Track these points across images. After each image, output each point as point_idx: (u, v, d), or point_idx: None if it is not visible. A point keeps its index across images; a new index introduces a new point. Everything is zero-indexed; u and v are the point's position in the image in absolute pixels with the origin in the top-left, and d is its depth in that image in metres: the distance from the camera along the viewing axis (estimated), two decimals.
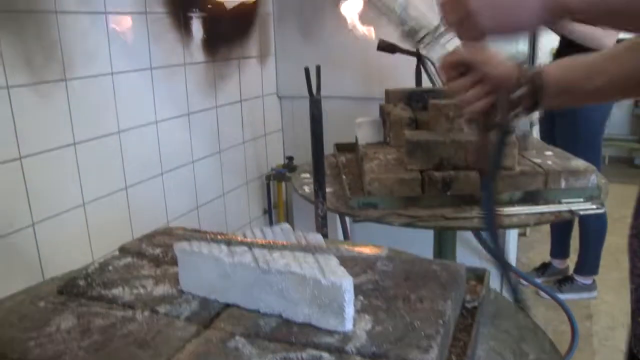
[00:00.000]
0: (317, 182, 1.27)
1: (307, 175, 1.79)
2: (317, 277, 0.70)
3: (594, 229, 2.63)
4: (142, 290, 0.85)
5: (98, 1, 1.70)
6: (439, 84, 2.12)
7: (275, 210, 2.75)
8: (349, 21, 2.34)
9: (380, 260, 0.91)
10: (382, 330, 0.70)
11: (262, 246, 0.79)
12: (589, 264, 2.72)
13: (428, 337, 0.68)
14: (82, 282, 0.89)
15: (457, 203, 1.46)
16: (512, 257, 2.60)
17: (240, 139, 2.48)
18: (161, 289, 0.85)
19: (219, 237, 0.84)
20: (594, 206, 1.45)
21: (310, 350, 0.67)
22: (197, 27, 2.13)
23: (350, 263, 0.90)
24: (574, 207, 1.45)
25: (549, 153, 1.70)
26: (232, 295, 0.79)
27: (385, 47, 2.08)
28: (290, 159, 2.65)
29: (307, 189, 1.63)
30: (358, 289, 0.81)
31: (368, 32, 2.38)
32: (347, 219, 2.26)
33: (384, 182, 1.46)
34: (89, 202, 1.72)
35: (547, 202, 1.48)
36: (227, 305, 0.79)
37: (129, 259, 0.98)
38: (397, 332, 0.70)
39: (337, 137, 1.96)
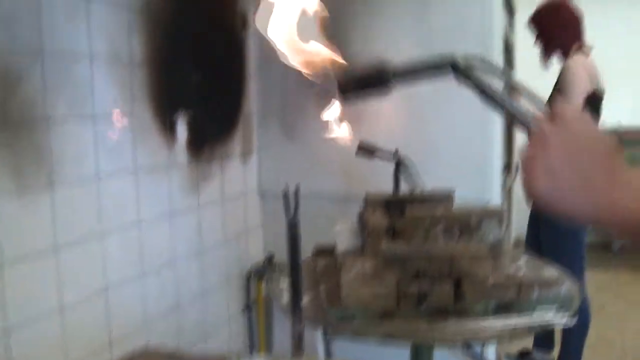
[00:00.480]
0: (294, 300, 1.29)
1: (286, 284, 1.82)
2: None
3: (577, 322, 2.66)
4: None
5: (86, 107, 1.77)
6: (420, 189, 2.19)
7: (255, 307, 2.75)
8: (328, 125, 2.44)
9: None
10: None
11: None
12: (571, 356, 2.73)
13: None
14: None
15: (431, 316, 1.50)
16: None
17: (222, 237, 2.51)
18: None
19: None
20: (566, 318, 1.50)
21: None
22: (181, 128, 2.20)
23: None
24: (546, 320, 1.49)
25: (521, 261, 1.76)
26: None
27: (363, 151, 2.16)
28: (271, 257, 2.69)
29: (286, 297, 1.65)
30: None
31: (347, 135, 2.48)
32: None
33: (359, 296, 1.50)
34: (68, 308, 1.72)
35: (520, 312, 1.52)
36: None
37: None
38: None
39: (317, 236, 1.99)
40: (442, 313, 1.51)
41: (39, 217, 1.63)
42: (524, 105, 0.80)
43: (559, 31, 2.84)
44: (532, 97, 0.86)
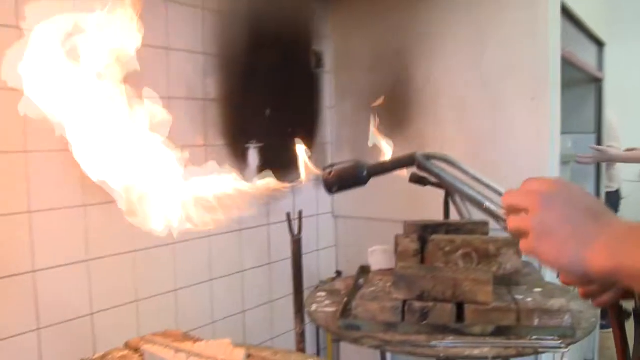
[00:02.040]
0: (296, 305, 1.56)
1: (323, 293, 2.08)
2: None
3: None
4: None
5: None
6: (465, 216, 2.37)
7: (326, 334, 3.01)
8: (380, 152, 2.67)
9: None
10: None
11: (195, 355, 1.10)
12: None
13: None
14: None
15: (431, 332, 1.69)
16: None
17: (288, 255, 2.82)
18: None
19: (178, 344, 1.16)
20: (559, 344, 1.62)
21: None
22: (253, 156, 2.55)
23: None
24: (537, 345, 1.62)
25: (537, 290, 1.88)
26: None
27: (417, 179, 2.37)
28: (339, 273, 2.95)
29: (314, 306, 1.92)
30: None
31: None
32: None
33: (367, 308, 1.73)
34: (141, 300, 2.11)
35: (518, 338, 1.66)
36: None
37: (126, 352, 1.32)
38: None
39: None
40: (442, 330, 1.69)
41: (120, 225, 2.03)
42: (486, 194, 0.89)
43: None
44: (492, 187, 1.02)
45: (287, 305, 2.78)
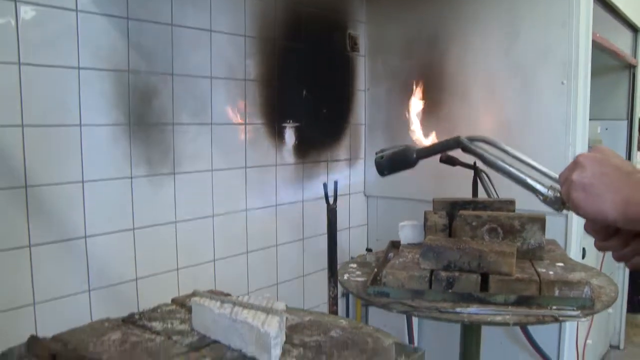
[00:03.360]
0: (330, 270, 1.66)
1: (355, 265, 2.19)
2: (258, 327, 1.10)
3: None
4: (169, 326, 1.30)
5: (206, 115, 2.28)
6: (493, 195, 2.45)
7: (355, 301, 3.12)
8: (412, 135, 2.77)
9: (335, 329, 1.29)
10: None
11: (240, 304, 1.21)
12: None
13: None
14: (136, 316, 1.36)
15: (456, 299, 1.78)
16: None
17: (324, 230, 2.92)
18: (182, 327, 1.30)
19: (223, 297, 1.27)
20: (578, 314, 1.70)
21: None
22: (289, 135, 2.66)
23: (312, 326, 1.29)
24: (558, 313, 1.70)
25: (559, 264, 1.95)
26: (218, 335, 1.21)
27: (447, 159, 2.46)
28: (370, 250, 3.05)
29: (345, 276, 2.03)
30: (303, 344, 1.20)
31: (433, 140, 2.79)
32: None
33: (396, 276, 1.82)
34: (182, 268, 2.24)
35: (539, 307, 1.74)
36: (215, 341, 1.22)
37: (173, 307, 1.44)
38: None
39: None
40: (466, 298, 1.78)
41: (164, 198, 2.17)
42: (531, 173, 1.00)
43: None
44: (532, 165, 1.11)
45: (319, 281, 2.90)
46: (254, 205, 2.53)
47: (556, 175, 0.93)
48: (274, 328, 1.09)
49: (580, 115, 2.60)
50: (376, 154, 1.27)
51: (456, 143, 1.12)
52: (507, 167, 0.98)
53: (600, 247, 0.89)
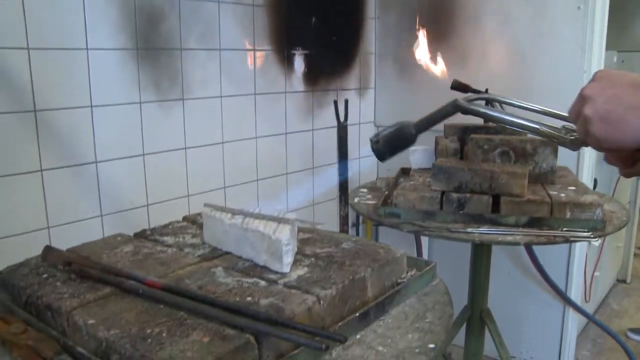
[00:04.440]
0: (340, 189, 1.66)
1: (365, 190, 2.18)
2: (269, 234, 1.10)
3: None
4: (181, 239, 1.31)
5: (214, 40, 2.23)
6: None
7: (363, 225, 3.13)
8: (422, 63, 2.72)
9: (346, 242, 1.29)
10: (308, 276, 1.08)
11: (251, 215, 1.20)
12: None
13: (333, 283, 1.05)
14: (148, 231, 1.36)
15: (467, 221, 1.77)
16: (576, 292, 2.75)
17: (334, 159, 2.91)
18: (193, 240, 1.30)
19: (234, 210, 1.27)
20: (589, 235, 1.69)
21: (256, 279, 1.07)
22: (299, 63, 2.61)
23: (324, 240, 1.29)
24: (569, 234, 1.69)
25: (571, 188, 1.93)
26: (229, 246, 1.21)
27: (458, 86, 2.41)
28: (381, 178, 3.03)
29: (356, 199, 2.02)
30: (315, 255, 1.20)
31: (442, 73, 2.74)
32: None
33: (407, 197, 1.82)
34: (192, 195, 2.24)
35: (550, 229, 1.73)
36: (226, 253, 1.22)
37: (184, 223, 1.44)
38: (317, 278, 1.07)
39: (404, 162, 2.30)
40: (477, 220, 1.77)
41: (173, 123, 2.15)
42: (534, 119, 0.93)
43: None
44: (539, 110, 1.06)
45: (327, 210, 2.90)
46: (264, 132, 2.51)
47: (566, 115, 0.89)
48: (285, 235, 1.09)
49: (597, 43, 2.52)
50: (370, 140, 1.21)
51: (454, 107, 1.07)
52: (515, 119, 0.94)
53: (627, 174, 0.84)
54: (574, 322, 2.81)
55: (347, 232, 1.74)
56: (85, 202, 1.94)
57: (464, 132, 2.18)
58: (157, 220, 2.06)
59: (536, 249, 2.68)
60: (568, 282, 2.74)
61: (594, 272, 3.24)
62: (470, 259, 2.10)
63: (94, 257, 1.14)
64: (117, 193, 2.04)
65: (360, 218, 3.05)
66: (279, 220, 1.16)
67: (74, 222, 1.92)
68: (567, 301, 2.73)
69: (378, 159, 1.32)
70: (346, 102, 1.58)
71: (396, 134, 1.20)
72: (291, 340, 0.85)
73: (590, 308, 3.28)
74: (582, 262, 2.77)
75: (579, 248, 2.70)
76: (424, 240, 2.97)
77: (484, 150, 1.98)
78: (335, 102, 1.57)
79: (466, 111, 1.05)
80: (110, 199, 2.02)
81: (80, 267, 1.07)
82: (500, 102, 1.26)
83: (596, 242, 1.70)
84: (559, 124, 0.94)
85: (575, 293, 2.76)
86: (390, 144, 1.22)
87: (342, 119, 1.58)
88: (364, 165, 3.11)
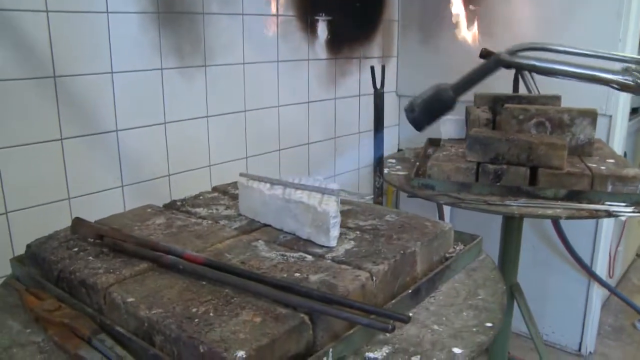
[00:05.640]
0: (376, 160, 1.58)
1: (393, 160, 2.10)
2: (315, 206, 1.02)
3: None
4: (214, 211, 1.23)
5: (237, 4, 2.14)
6: (535, 92, 2.31)
7: (385, 197, 3.05)
8: (450, 32, 2.61)
9: (389, 214, 1.21)
10: (356, 250, 1.01)
11: (292, 186, 1.13)
12: None
13: (384, 257, 0.98)
14: (178, 202, 1.29)
15: (504, 193, 1.69)
16: (601, 267, 2.68)
17: (356, 129, 2.83)
18: (227, 212, 1.23)
19: (271, 179, 1.19)
20: (632, 210, 1.61)
21: (301, 254, 1.00)
22: (322, 29, 2.51)
23: (366, 212, 1.22)
24: (611, 209, 1.61)
25: (610, 161, 1.84)
26: (268, 218, 1.14)
27: (487, 55, 2.31)
28: (400, 151, 2.95)
29: (385, 170, 1.94)
30: (359, 227, 1.12)
31: (473, 38, 2.64)
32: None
33: (442, 168, 1.73)
34: (214, 165, 2.17)
35: (590, 202, 1.65)
36: (265, 225, 1.14)
37: (215, 194, 1.37)
38: (365, 252, 1.00)
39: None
40: (514, 192, 1.69)
41: (195, 91, 2.06)
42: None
43: None
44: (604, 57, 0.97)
45: (349, 181, 2.83)
46: (286, 101, 2.42)
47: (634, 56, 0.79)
48: (332, 207, 1.01)
49: (635, 8, 2.40)
50: (405, 110, 1.12)
51: (496, 63, 0.97)
52: (569, 68, 0.84)
53: None
54: (598, 297, 2.75)
55: (381, 204, 1.66)
56: (105, 172, 1.87)
57: (495, 102, 2.09)
58: (179, 191, 1.99)
59: (562, 222, 2.60)
60: (594, 257, 2.67)
61: (617, 247, 3.17)
62: (501, 232, 2.03)
63: (125, 230, 1.07)
64: (138, 163, 1.96)
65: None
66: (322, 190, 1.09)
67: (95, 193, 1.85)
68: (593, 276, 2.66)
69: (416, 128, 1.24)
70: (383, 67, 1.49)
71: (433, 99, 1.12)
72: (352, 320, 0.78)
73: (612, 283, 3.22)
74: (608, 237, 2.70)
75: (607, 223, 2.62)
76: (446, 210, 2.89)
77: (518, 121, 1.89)
78: (372, 68, 1.48)
79: (511, 65, 0.97)
80: (131, 169, 1.94)
81: (113, 240, 1.00)
82: (550, 50, 1.16)
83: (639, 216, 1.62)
84: (618, 67, 0.85)
85: (601, 268, 2.69)
86: (427, 111, 1.14)
87: (378, 85, 1.49)
88: (386, 135, 3.02)
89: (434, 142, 2.22)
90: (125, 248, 0.98)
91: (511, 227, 2.01)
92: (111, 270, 0.92)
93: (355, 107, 2.79)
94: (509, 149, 1.71)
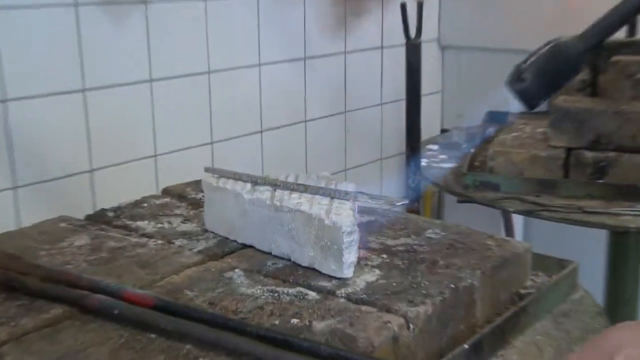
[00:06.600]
0: (409, 147, 1.60)
1: (435, 147, 2.12)
2: (321, 217, 1.04)
3: None
4: (166, 225, 1.26)
5: None
6: None
7: (422, 202, 3.07)
8: None
9: (431, 229, 1.23)
10: (384, 283, 1.03)
11: (285, 186, 1.14)
12: None
13: (426, 295, 0.99)
14: (110, 213, 1.31)
15: (611, 195, 1.70)
16: None
17: (378, 100, 2.84)
18: (186, 227, 1.25)
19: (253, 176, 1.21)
20: None
21: (300, 289, 1.01)
22: None
23: (396, 225, 1.24)
24: None
25: None
26: (249, 236, 1.16)
27: None
28: (446, 131, 2.97)
29: (424, 162, 1.96)
30: (387, 249, 1.14)
31: None
32: None
33: (511, 158, 1.75)
34: (162, 155, 2.18)
35: None
36: (245, 246, 1.16)
37: (167, 199, 1.39)
38: (398, 287, 1.02)
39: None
40: (627, 195, 1.70)
41: (130, 39, 2.08)
42: None
43: None
44: None
45: (368, 176, 2.83)
46: (272, 57, 2.43)
47: None
48: (347, 218, 1.03)
49: None
50: (509, 81, 1.12)
51: None
52: None
53: None
54: None
55: (419, 213, 1.68)
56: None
57: (597, 53, 2.09)
58: (109, 196, 2.01)
59: None
60: None
61: None
62: (607, 256, 2.04)
63: (27, 257, 1.09)
64: (40, 152, 1.97)
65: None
66: (331, 194, 1.10)
67: None
68: None
69: (527, 104, 1.25)
70: (419, 5, 1.50)
71: (552, 59, 1.13)
72: None
73: None
74: None
75: None
76: (517, 223, 2.90)
77: (635, 82, 1.89)
78: (404, 6, 1.49)
79: None
80: (30, 160, 1.95)
81: (6, 273, 1.01)
82: None
83: None
84: None
85: None
86: (544, 77, 1.15)
87: (412, 34, 1.50)
88: (425, 108, 3.03)
89: (498, 118, 2.23)
90: (26, 285, 0.99)
91: (623, 249, 2.02)
92: (3, 321, 0.93)
93: (376, 66, 2.80)
94: (619, 127, 1.73)
